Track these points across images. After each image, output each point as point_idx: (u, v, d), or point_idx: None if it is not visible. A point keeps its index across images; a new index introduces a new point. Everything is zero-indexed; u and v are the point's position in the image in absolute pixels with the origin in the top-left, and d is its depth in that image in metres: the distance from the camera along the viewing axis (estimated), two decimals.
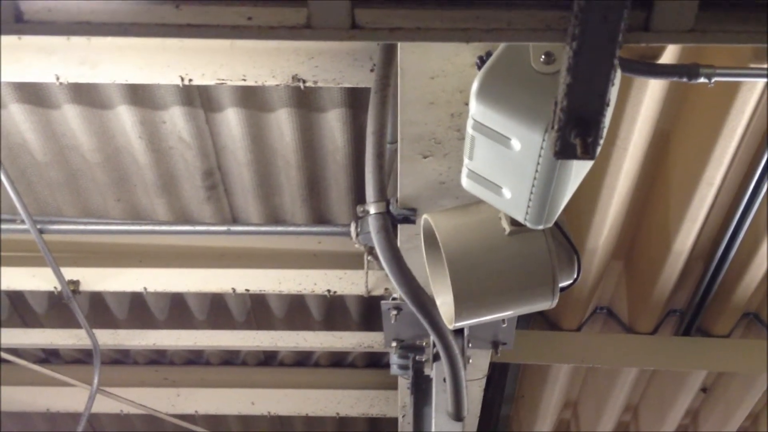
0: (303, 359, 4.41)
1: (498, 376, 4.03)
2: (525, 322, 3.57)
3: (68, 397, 4.21)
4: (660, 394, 3.94)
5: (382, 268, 3.42)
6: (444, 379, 2.57)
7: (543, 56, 1.49)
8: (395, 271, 2.19)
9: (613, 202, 2.97)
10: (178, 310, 4.00)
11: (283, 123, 2.97)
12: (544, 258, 1.92)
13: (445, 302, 2.15)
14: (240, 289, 3.54)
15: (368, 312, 3.98)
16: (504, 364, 3.96)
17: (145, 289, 3.54)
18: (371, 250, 3.36)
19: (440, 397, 2.60)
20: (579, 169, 1.59)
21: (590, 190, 2.92)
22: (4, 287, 3.56)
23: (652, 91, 2.57)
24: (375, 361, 4.38)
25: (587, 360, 3.56)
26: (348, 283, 3.52)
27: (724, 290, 3.32)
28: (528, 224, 1.71)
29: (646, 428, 4.13)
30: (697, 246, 3.14)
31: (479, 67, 1.58)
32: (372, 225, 2.21)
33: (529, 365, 4.01)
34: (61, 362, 4.31)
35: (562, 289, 2.00)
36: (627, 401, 4.05)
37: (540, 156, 1.51)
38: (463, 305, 1.93)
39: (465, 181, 1.77)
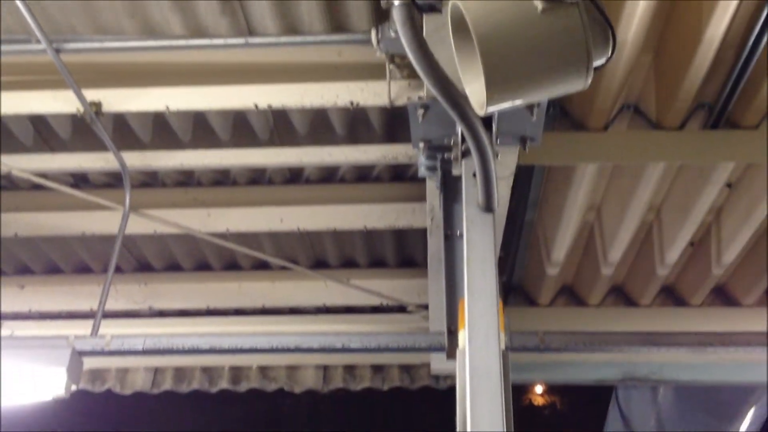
0: (329, 176, 4.45)
1: (522, 181, 4.05)
2: (550, 123, 3.55)
3: (102, 220, 4.31)
4: (684, 191, 3.96)
5: (404, 77, 3.42)
6: (474, 174, 2.59)
7: None
8: (422, 63, 2.16)
9: None
10: (201, 130, 4.00)
11: None
12: (578, 34, 1.86)
13: (475, 90, 2.12)
14: (262, 105, 3.52)
15: (391, 124, 3.97)
16: (529, 169, 3.97)
17: (167, 107, 3.53)
18: (393, 59, 3.31)
19: (470, 192, 2.62)
20: None
21: None
22: (26, 111, 3.57)
23: None
24: (400, 174, 4.41)
25: (614, 158, 3.55)
26: (371, 94, 3.49)
27: (755, 80, 3.25)
28: None
29: (669, 225, 4.19)
30: (729, 33, 3.04)
31: None
32: (397, 17, 2.15)
33: (553, 169, 4.03)
34: (91, 187, 4.37)
35: (597, 68, 1.95)
36: (651, 201, 4.08)
37: None
38: (495, 87, 1.90)
39: None
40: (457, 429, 2.31)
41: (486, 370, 2.22)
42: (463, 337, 2.34)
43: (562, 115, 3.61)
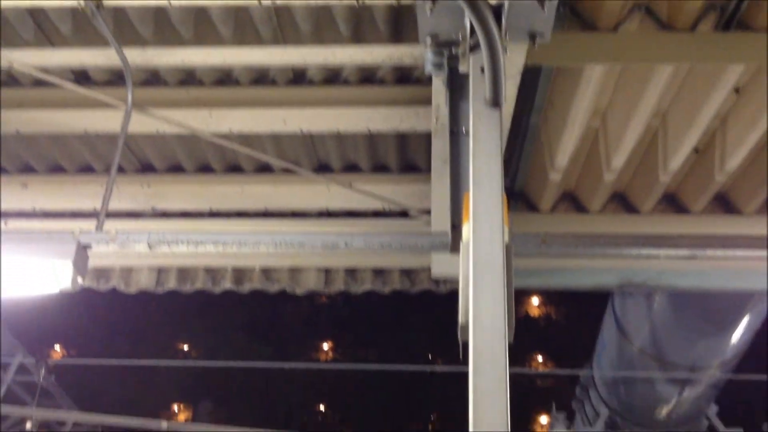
0: (332, 77, 4.38)
1: (528, 85, 4.00)
2: (559, 22, 3.48)
3: (104, 118, 4.27)
4: (692, 96, 3.91)
5: None
6: (482, 69, 2.56)
7: None
8: None
9: None
10: (203, 27, 3.93)
11: None
12: None
13: None
14: None
15: (397, 24, 3.90)
16: (535, 73, 3.92)
17: (168, 1, 3.46)
18: None
19: (477, 87, 2.59)
20: None
21: None
22: (27, 5, 3.49)
23: None
24: (404, 76, 4.35)
25: (623, 59, 3.50)
26: None
27: None
28: None
29: (675, 131, 4.16)
30: None
31: None
32: None
33: (559, 73, 3.98)
34: (92, 84, 4.32)
35: None
36: (657, 106, 4.04)
37: None
38: None
39: None
40: (459, 319, 2.34)
41: (490, 261, 2.24)
42: (467, 229, 2.35)
43: (572, 14, 3.54)
